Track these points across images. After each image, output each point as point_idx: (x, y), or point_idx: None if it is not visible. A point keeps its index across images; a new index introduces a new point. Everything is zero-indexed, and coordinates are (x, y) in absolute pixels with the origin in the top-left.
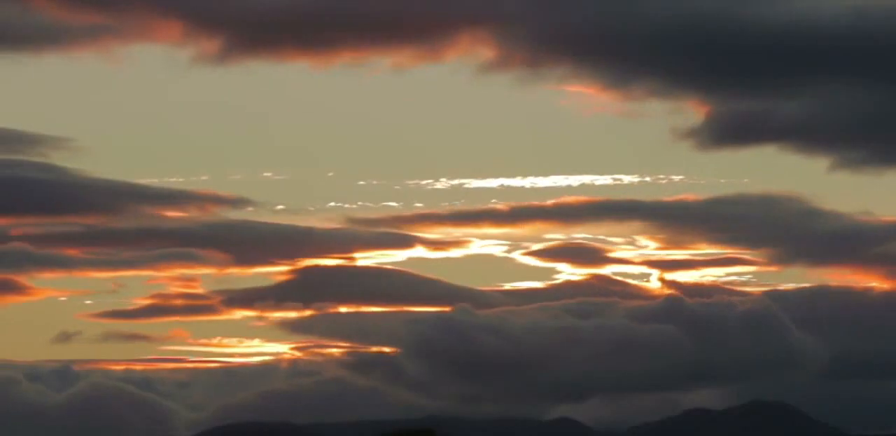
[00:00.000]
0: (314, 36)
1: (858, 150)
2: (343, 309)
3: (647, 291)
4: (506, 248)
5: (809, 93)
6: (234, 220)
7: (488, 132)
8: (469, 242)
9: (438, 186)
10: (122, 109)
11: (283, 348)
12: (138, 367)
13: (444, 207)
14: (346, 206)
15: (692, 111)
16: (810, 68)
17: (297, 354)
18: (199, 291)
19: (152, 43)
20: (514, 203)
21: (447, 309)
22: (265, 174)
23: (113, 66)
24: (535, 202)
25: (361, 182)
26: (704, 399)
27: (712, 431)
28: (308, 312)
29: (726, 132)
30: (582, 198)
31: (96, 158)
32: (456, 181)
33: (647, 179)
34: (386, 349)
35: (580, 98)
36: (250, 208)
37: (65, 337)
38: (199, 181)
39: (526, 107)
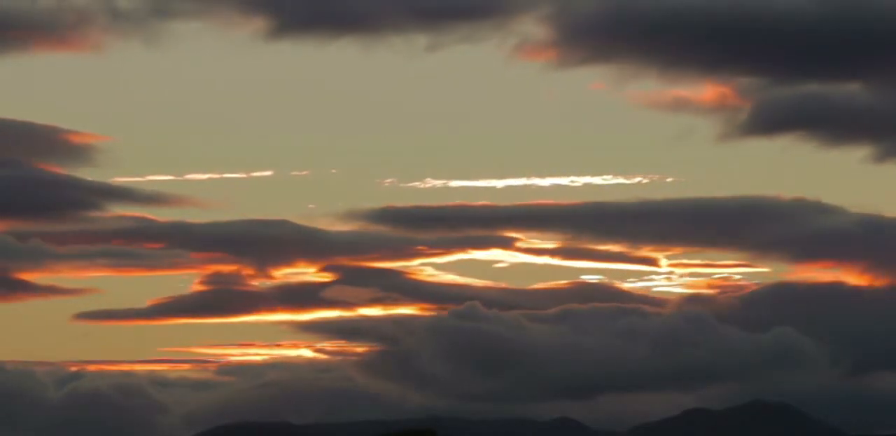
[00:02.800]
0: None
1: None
2: (364, 311)
3: (657, 293)
4: (525, 248)
5: (860, 80)
6: (266, 220)
7: (520, 129)
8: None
9: (470, 184)
10: (167, 96)
11: (290, 350)
12: (143, 367)
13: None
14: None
15: (733, 101)
16: (864, 53)
17: (305, 354)
18: (214, 290)
19: (201, 23)
20: (544, 201)
21: (451, 309)
22: (332, 171)
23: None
24: (564, 201)
25: (418, 182)
26: (704, 399)
27: (712, 431)
28: (323, 314)
29: (767, 121)
30: (610, 198)
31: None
32: (496, 181)
33: (678, 177)
34: (387, 349)
35: (616, 84)
36: (311, 205)
37: (74, 336)
38: (262, 178)
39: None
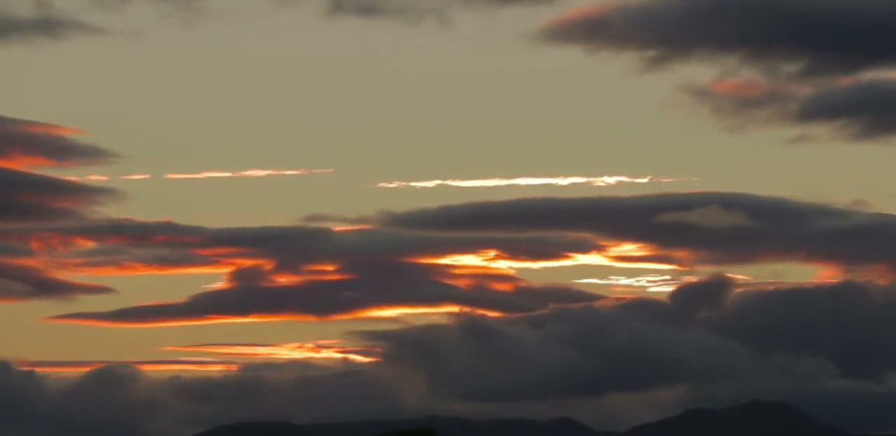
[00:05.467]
0: None
1: None
2: (374, 312)
3: (661, 293)
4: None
5: None
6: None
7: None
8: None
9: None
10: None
11: (300, 351)
12: (145, 367)
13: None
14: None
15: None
16: None
17: (311, 355)
18: (236, 289)
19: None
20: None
21: (451, 310)
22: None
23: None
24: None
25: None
26: (704, 399)
27: (712, 431)
28: (335, 315)
29: (810, 111)
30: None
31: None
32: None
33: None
34: (390, 350)
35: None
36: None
37: (84, 335)
38: (323, 176)
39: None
